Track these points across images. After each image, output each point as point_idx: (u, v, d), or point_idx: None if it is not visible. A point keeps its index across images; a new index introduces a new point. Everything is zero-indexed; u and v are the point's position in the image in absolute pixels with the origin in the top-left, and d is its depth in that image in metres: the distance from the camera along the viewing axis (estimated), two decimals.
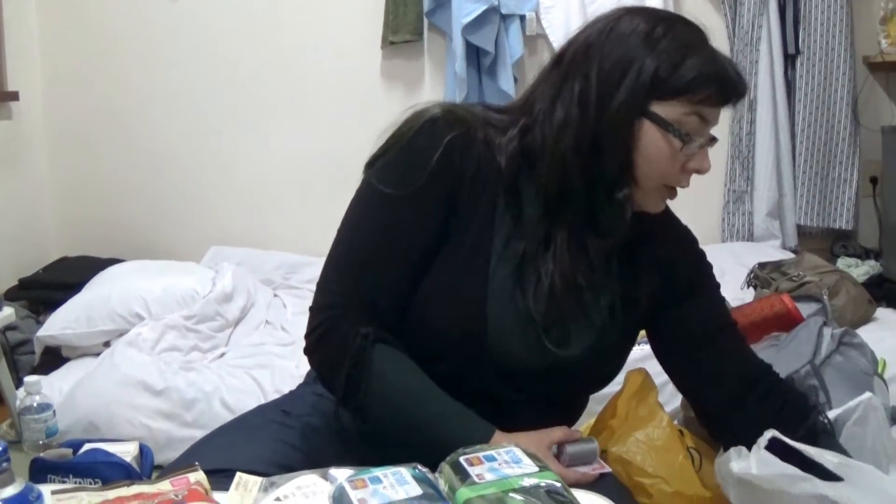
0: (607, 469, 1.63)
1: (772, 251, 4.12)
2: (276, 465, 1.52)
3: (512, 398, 1.61)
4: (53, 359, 3.68)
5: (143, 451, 2.62)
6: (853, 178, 4.35)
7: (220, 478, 1.39)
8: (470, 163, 1.53)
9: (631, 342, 1.75)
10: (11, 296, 4.18)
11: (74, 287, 3.91)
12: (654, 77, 1.48)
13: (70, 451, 2.55)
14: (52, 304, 3.84)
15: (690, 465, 2.03)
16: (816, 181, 4.36)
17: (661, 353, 1.80)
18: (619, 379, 2.02)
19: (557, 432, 1.58)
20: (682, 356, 1.75)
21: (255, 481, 1.35)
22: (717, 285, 1.79)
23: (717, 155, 4.26)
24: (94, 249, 4.61)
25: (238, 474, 1.36)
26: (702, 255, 1.78)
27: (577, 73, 1.52)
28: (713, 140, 1.56)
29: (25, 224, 4.58)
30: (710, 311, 1.76)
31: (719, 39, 4.22)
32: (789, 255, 4.05)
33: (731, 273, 3.81)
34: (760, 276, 3.47)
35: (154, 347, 3.39)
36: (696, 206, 4.20)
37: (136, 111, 4.63)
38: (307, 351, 1.60)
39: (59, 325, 3.62)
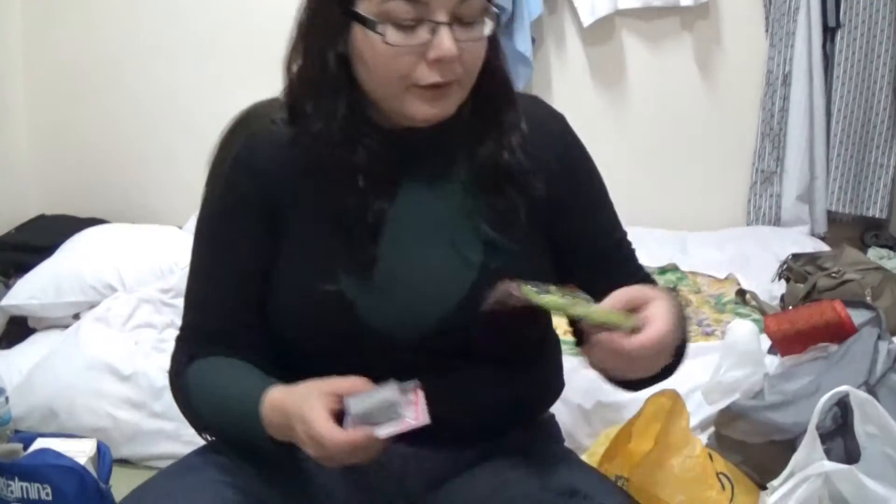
0: (421, 422, 1.32)
1: (800, 237, 3.92)
2: None
3: (432, 383, 1.40)
4: (20, 329, 3.44)
5: (101, 451, 2.39)
6: (890, 163, 4.09)
7: None
8: (266, 162, 1.49)
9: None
10: None
11: (48, 250, 3.67)
12: None
13: (20, 446, 2.37)
14: (24, 268, 3.61)
15: (727, 501, 1.81)
16: (851, 165, 4.10)
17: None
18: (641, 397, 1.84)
19: (341, 383, 1.35)
20: (572, 273, 1.54)
21: None
22: (600, 191, 1.63)
23: (747, 131, 4.14)
24: (75, 208, 4.37)
25: None
26: (578, 157, 1.61)
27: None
28: (444, 23, 1.37)
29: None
30: (598, 228, 1.61)
31: (753, 5, 4.06)
32: (818, 243, 3.88)
33: (758, 259, 3.62)
34: (794, 269, 3.23)
35: (125, 323, 3.13)
36: (720, 185, 4.24)
37: (125, 62, 4.37)
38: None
39: (25, 293, 3.38)
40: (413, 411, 1.31)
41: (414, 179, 1.50)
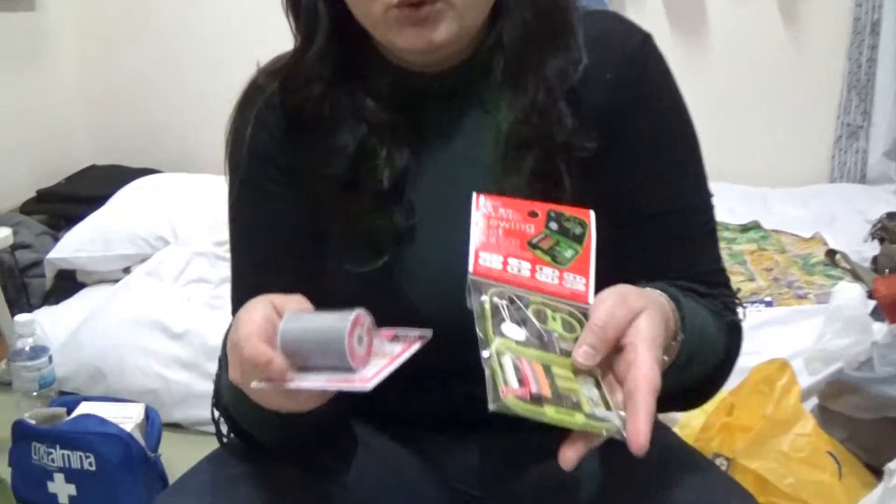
0: (361, 387, 0.95)
1: (887, 196, 3.73)
2: None
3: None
4: (68, 284, 3.32)
5: (150, 417, 2.24)
6: None
7: None
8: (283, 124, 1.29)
9: None
10: (28, 209, 3.85)
11: (98, 201, 3.55)
12: None
13: (63, 410, 2.21)
14: (74, 220, 3.48)
15: (839, 484, 1.69)
16: None
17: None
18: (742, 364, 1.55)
19: (292, 300, 1.09)
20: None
21: None
22: (681, 140, 1.28)
23: (832, 83, 3.97)
24: (127, 158, 4.29)
25: None
26: (658, 90, 1.27)
27: None
28: None
29: (50, 128, 4.24)
30: (664, 187, 1.27)
31: None
32: None
33: (844, 218, 3.44)
34: (890, 229, 3.05)
35: (178, 278, 2.99)
36: (802, 139, 4.00)
37: (188, 6, 4.28)
38: None
39: (73, 246, 3.25)
40: (364, 365, 0.97)
41: (437, 133, 1.29)
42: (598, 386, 0.92)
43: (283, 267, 1.31)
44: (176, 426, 2.59)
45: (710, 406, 1.80)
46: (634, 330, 0.94)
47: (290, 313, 0.99)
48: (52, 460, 2.10)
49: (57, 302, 3.18)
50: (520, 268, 1.03)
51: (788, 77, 4.00)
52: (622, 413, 0.89)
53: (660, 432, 1.39)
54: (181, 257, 3.06)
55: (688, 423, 1.89)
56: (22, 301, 3.31)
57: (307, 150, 1.26)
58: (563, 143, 1.21)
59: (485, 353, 0.90)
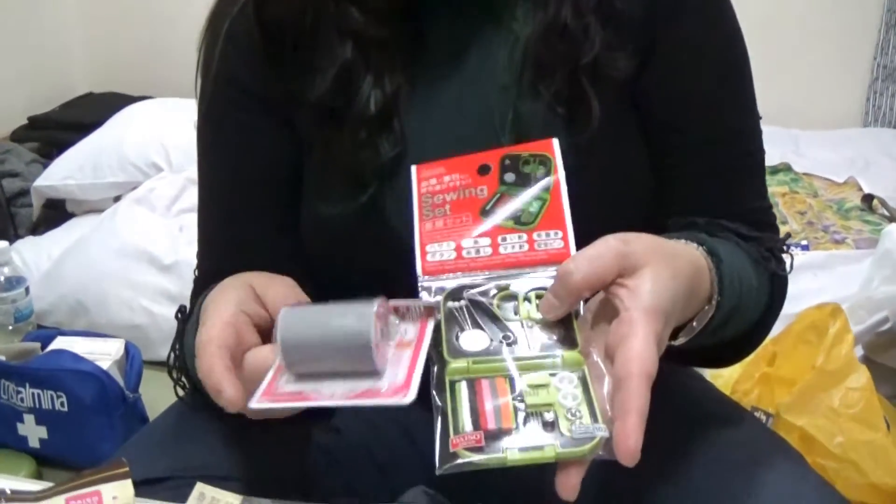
0: (411, 387, 0.75)
1: None
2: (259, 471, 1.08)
3: None
4: (57, 214, 3.20)
5: (130, 354, 2.06)
6: None
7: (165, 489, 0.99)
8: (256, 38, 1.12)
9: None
10: (19, 136, 3.75)
11: (92, 128, 3.40)
12: None
13: (37, 346, 2.05)
14: (66, 148, 3.34)
15: (893, 445, 1.54)
16: None
17: None
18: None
19: (272, 286, 0.93)
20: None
21: (229, 501, 0.90)
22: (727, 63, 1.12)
23: (868, 21, 3.82)
24: (127, 86, 4.17)
25: (199, 486, 0.92)
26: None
27: None
28: None
29: (45, 52, 4.12)
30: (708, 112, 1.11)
31: None
32: None
33: (877, 165, 3.29)
34: None
35: (170, 207, 2.85)
36: (836, 81, 3.79)
37: None
38: None
39: (62, 173, 3.11)
40: (385, 361, 0.78)
41: (440, 51, 1.12)
42: (585, 382, 0.74)
43: (258, 216, 1.15)
44: (163, 364, 2.41)
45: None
46: (632, 294, 0.76)
47: (287, 309, 0.81)
48: (22, 400, 1.96)
49: (44, 233, 3.05)
50: (478, 248, 0.85)
51: (823, 13, 3.84)
52: (608, 412, 0.72)
53: (692, 382, 1.23)
54: (174, 185, 2.91)
55: (720, 373, 1.75)
56: (9, 232, 3.18)
57: (284, 71, 1.10)
58: (591, 61, 1.05)
59: (437, 400, 0.73)
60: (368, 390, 0.75)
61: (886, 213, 2.87)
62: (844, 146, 3.49)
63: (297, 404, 0.76)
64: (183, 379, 1.11)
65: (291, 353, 0.77)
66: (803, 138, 3.60)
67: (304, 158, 1.14)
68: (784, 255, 1.12)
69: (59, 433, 1.97)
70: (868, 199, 2.96)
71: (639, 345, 0.72)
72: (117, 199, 3.07)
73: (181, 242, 2.64)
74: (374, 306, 0.76)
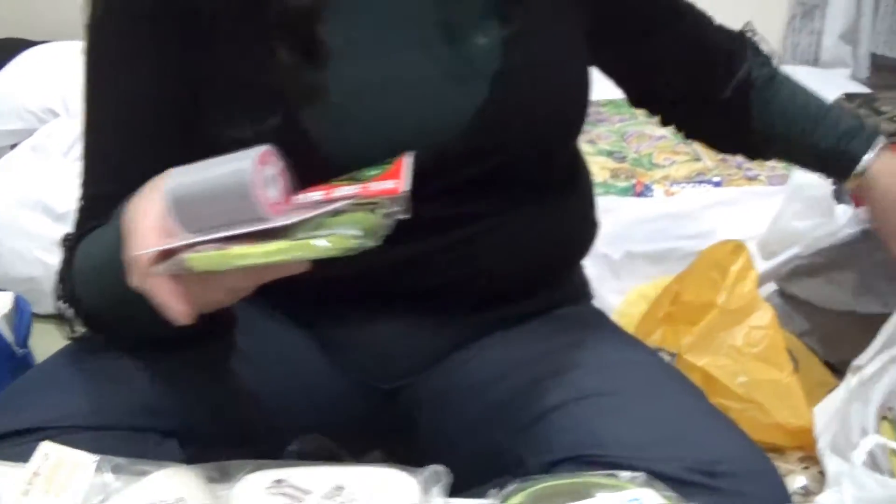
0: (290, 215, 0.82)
1: (842, 81, 3.63)
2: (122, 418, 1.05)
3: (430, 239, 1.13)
4: None
5: (19, 307, 1.99)
6: None
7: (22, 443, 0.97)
8: None
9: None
10: None
11: None
12: None
13: None
14: None
15: (797, 385, 1.54)
16: None
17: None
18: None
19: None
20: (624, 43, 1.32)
21: (77, 461, 0.86)
22: None
23: None
24: (30, 30, 3.99)
25: (44, 446, 0.90)
26: None
27: None
28: None
29: None
30: None
31: None
32: (860, 88, 3.56)
33: None
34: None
35: (66, 154, 2.77)
36: (754, 18, 3.78)
37: None
38: None
39: None
40: (282, 216, 0.80)
41: None
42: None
43: (149, 139, 1.12)
44: (58, 318, 2.35)
45: (652, 292, 1.63)
46: None
47: (174, 168, 0.82)
48: None
49: None
50: (307, 197, 0.84)
51: None
52: None
53: (595, 318, 1.23)
54: (71, 130, 2.82)
55: (627, 311, 1.74)
56: None
57: None
58: None
59: None
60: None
61: None
62: None
63: (180, 244, 0.78)
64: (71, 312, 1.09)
65: (181, 207, 0.78)
66: None
67: (206, 78, 1.09)
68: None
69: None
70: None
71: None
72: (13, 146, 2.98)
73: (77, 190, 2.55)
74: (260, 149, 0.78)
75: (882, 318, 1.53)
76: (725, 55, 1.39)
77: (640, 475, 0.82)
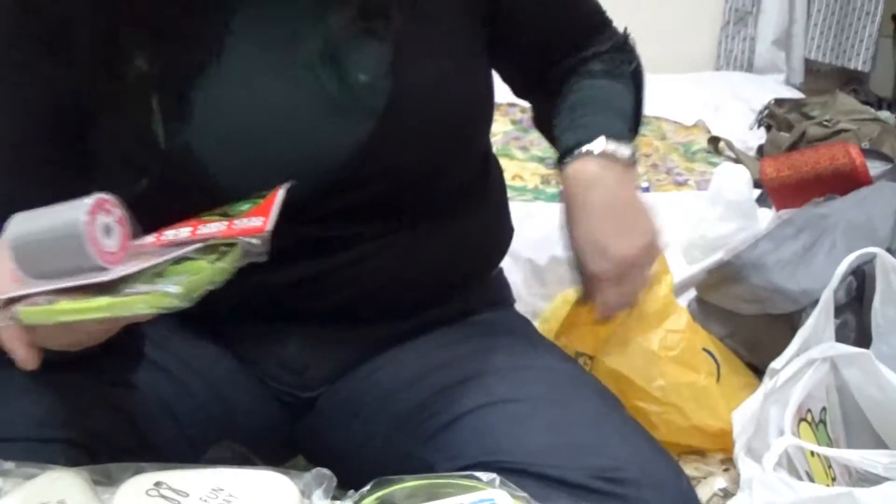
0: (125, 268, 0.80)
1: (775, 86, 3.71)
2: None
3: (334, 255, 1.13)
4: None
5: None
6: (878, 10, 3.87)
7: None
8: None
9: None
10: None
11: None
12: None
13: None
14: None
15: (716, 386, 1.54)
16: (835, 9, 3.90)
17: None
18: None
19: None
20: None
21: None
22: None
23: None
24: None
25: None
26: None
27: None
28: None
29: None
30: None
31: None
32: (794, 93, 3.63)
33: (729, 108, 3.43)
34: (778, 116, 2.93)
35: None
36: (688, 24, 3.81)
37: None
38: None
39: None
40: (121, 264, 0.80)
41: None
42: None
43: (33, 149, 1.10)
44: None
45: (572, 297, 1.63)
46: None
47: (18, 214, 0.80)
48: None
49: None
50: (177, 233, 0.84)
51: None
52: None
53: (513, 323, 1.22)
54: None
55: (552, 316, 1.73)
56: None
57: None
58: None
59: None
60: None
61: (732, 154, 2.89)
62: (696, 89, 3.57)
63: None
64: None
65: (21, 255, 0.76)
66: (654, 82, 3.54)
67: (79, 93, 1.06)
68: (629, 42, 1.37)
69: None
70: (714, 141, 3.00)
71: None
72: None
73: None
74: (95, 196, 0.76)
75: (798, 316, 1.54)
76: (583, 34, 1.32)
77: (496, 477, 0.82)
